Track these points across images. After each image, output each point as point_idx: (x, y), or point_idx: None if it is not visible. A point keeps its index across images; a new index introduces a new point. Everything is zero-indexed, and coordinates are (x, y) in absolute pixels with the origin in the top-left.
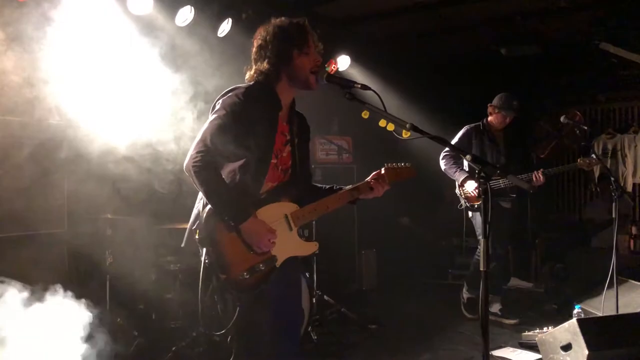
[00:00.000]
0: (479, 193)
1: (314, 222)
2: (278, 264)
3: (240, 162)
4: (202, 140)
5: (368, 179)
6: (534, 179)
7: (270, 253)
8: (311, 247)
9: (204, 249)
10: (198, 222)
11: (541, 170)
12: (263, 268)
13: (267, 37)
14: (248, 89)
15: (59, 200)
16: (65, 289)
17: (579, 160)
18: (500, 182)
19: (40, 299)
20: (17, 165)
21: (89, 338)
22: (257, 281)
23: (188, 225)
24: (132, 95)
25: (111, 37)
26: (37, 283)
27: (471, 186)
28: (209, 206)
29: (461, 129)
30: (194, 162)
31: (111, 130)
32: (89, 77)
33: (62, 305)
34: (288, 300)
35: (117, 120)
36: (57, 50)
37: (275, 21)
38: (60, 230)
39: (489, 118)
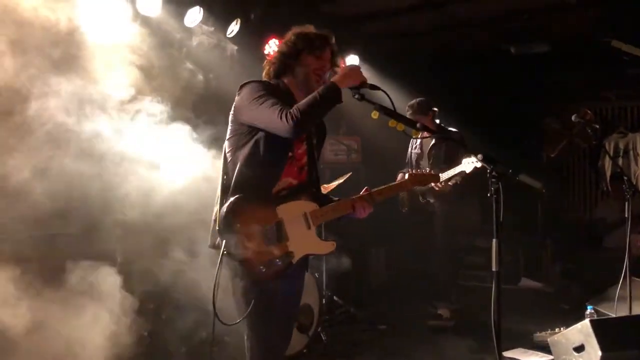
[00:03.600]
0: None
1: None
2: (294, 260)
3: (267, 145)
4: (271, 114)
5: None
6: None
7: (288, 248)
8: (328, 247)
9: (224, 240)
10: (219, 214)
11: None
12: (280, 263)
13: (289, 35)
14: (262, 80)
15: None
16: None
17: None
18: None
19: None
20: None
21: None
22: (272, 275)
23: (212, 227)
24: (141, 97)
25: (120, 36)
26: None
27: None
28: (228, 200)
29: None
30: (293, 122)
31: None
32: (101, 79)
33: None
34: (290, 299)
35: (124, 122)
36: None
37: (304, 27)
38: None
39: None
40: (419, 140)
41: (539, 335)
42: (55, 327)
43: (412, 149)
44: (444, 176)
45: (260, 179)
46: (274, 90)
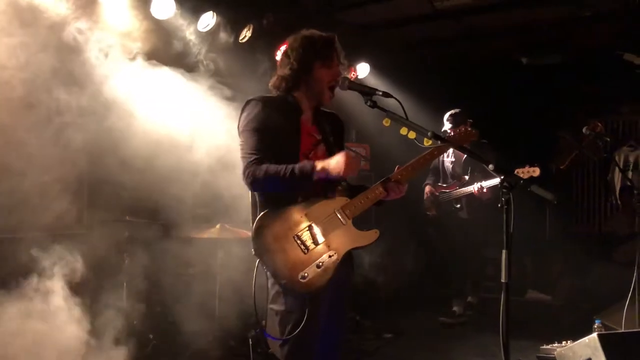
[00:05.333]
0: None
1: None
2: (338, 259)
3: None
4: (244, 155)
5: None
6: (476, 191)
7: (328, 250)
8: (372, 236)
9: (262, 259)
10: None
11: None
12: (322, 265)
13: (294, 45)
14: (264, 97)
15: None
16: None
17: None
18: (448, 193)
19: None
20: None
21: None
22: (318, 280)
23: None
24: (154, 100)
25: (134, 41)
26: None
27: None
28: (256, 220)
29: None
30: (248, 180)
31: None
32: (112, 81)
33: None
34: (340, 300)
35: (140, 123)
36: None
37: (305, 32)
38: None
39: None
40: (451, 150)
41: (546, 348)
42: None
43: (444, 157)
44: (485, 184)
45: (279, 193)
46: (271, 113)
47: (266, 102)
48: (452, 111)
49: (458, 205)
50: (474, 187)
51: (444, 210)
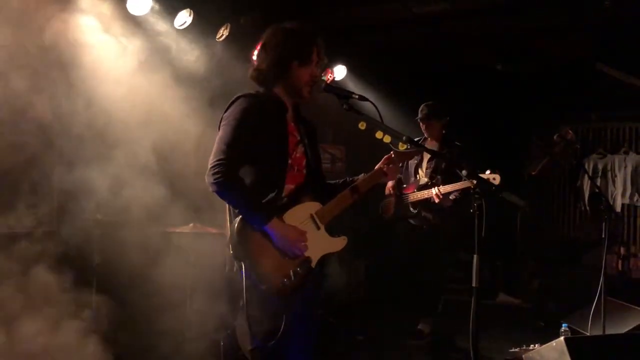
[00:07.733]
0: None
1: None
2: (313, 264)
3: (259, 167)
4: (217, 151)
5: (379, 164)
6: (434, 195)
7: (304, 255)
8: (341, 243)
9: (241, 263)
10: (229, 238)
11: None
12: (300, 271)
13: (272, 40)
14: (253, 95)
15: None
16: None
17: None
18: (406, 196)
19: None
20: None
21: None
22: (296, 285)
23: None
24: (129, 99)
25: (109, 38)
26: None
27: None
28: (235, 221)
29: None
30: (214, 178)
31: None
32: (86, 78)
33: None
34: (312, 304)
35: (113, 123)
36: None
37: (286, 24)
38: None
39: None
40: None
41: (514, 352)
42: None
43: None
44: (445, 189)
45: (264, 195)
46: (261, 111)
47: (257, 97)
48: (430, 102)
49: (414, 211)
50: (432, 191)
51: (399, 215)
